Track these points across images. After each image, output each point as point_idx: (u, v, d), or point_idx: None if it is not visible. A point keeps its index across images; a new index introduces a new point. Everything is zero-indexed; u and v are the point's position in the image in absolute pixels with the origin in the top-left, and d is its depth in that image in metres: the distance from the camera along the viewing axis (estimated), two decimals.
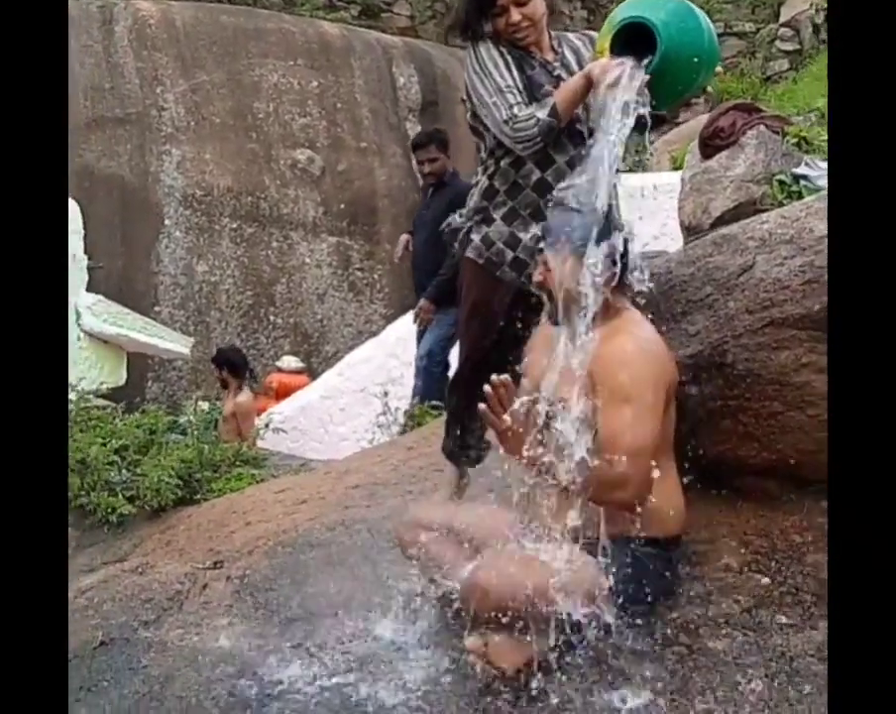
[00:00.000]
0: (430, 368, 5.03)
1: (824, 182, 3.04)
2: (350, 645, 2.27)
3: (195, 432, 4.87)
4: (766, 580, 2.23)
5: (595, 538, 2.16)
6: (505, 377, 2.23)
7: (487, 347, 2.71)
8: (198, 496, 3.88)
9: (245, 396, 6.38)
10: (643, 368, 2.16)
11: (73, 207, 6.63)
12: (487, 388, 2.20)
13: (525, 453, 2.20)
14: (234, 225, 10.50)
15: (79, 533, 3.67)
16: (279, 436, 5.59)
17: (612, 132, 2.36)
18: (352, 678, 2.14)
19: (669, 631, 2.11)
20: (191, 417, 5.17)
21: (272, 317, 10.46)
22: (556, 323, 2.30)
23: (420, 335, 5.33)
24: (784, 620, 2.10)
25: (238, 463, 4.22)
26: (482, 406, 2.20)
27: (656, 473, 2.13)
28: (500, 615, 1.99)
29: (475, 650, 2.10)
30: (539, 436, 2.24)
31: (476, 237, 2.71)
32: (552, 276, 2.28)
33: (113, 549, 3.54)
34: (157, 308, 10.02)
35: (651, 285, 2.63)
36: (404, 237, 5.82)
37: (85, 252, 7.26)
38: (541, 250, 2.35)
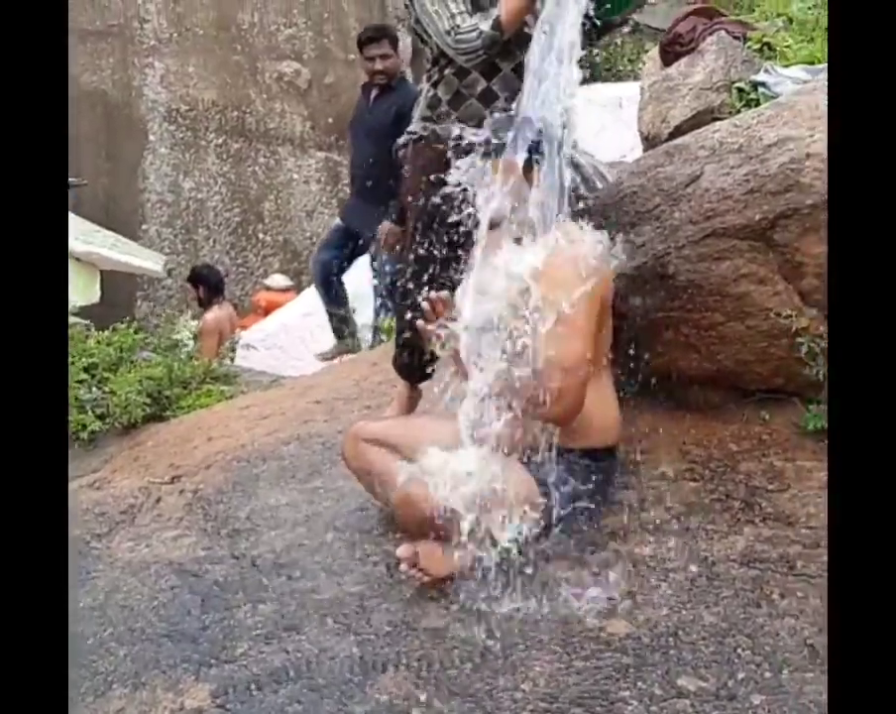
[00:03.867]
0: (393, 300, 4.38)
1: (781, 89, 2.98)
2: (291, 555, 2.32)
3: (174, 350, 4.90)
4: (698, 487, 2.26)
5: (530, 449, 2.18)
6: (444, 293, 2.25)
7: (429, 257, 2.70)
8: (168, 413, 3.92)
9: (212, 314, 6.36)
10: (577, 284, 2.15)
11: None
12: (424, 303, 2.22)
13: (461, 366, 2.23)
14: (220, 141, 10.36)
15: None
16: (261, 354, 5.63)
17: (564, 53, 2.31)
18: (290, 587, 2.19)
19: (598, 537, 2.15)
20: (169, 336, 5.19)
21: (260, 235, 10.40)
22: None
23: (359, 247, 4.88)
24: (711, 526, 2.14)
25: (208, 380, 4.24)
26: (419, 322, 2.23)
27: (590, 387, 2.15)
28: (429, 523, 2.03)
29: (406, 557, 2.14)
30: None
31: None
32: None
33: (83, 466, 3.58)
34: (144, 227, 9.98)
35: (599, 197, 2.62)
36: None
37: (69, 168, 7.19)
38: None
